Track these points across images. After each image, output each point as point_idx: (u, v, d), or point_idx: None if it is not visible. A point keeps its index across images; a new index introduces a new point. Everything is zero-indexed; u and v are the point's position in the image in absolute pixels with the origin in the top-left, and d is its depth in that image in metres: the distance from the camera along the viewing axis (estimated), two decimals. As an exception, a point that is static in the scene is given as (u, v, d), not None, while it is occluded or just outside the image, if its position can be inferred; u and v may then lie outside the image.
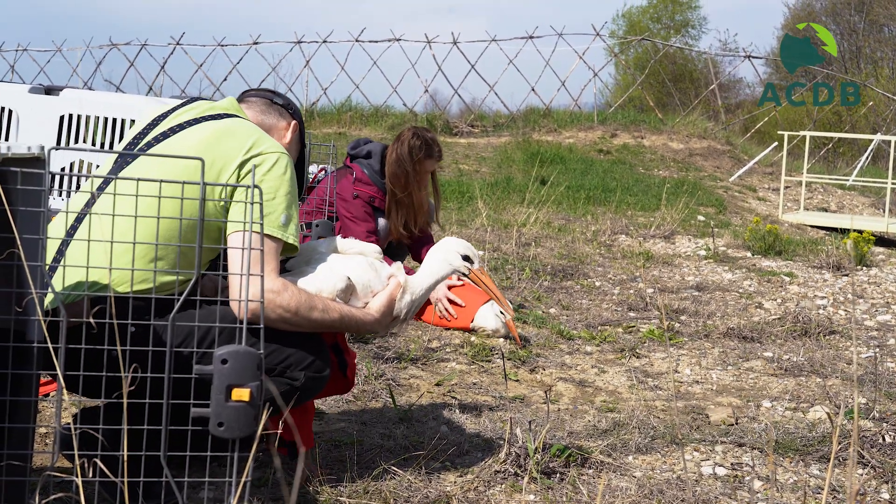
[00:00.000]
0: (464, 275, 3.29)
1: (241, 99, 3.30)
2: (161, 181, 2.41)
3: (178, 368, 2.38)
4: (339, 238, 3.26)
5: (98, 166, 4.63)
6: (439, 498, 3.17)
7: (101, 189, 2.82)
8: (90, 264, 2.48)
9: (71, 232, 2.76)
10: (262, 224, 2.45)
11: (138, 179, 2.33)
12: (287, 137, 3.28)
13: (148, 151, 2.86)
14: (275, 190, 2.80)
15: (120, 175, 2.81)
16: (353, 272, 3.07)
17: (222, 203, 2.76)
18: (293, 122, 3.32)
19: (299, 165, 3.32)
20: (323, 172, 5.98)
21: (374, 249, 3.23)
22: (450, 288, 5.77)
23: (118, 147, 3.16)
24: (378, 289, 3.12)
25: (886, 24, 34.54)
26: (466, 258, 3.27)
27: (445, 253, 3.27)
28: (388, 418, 4.10)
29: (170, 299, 2.57)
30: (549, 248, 9.16)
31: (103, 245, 2.55)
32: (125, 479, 2.17)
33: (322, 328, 2.91)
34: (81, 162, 4.91)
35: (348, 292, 3.03)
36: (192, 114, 3.00)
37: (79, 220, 2.79)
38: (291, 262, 3.12)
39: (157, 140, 2.93)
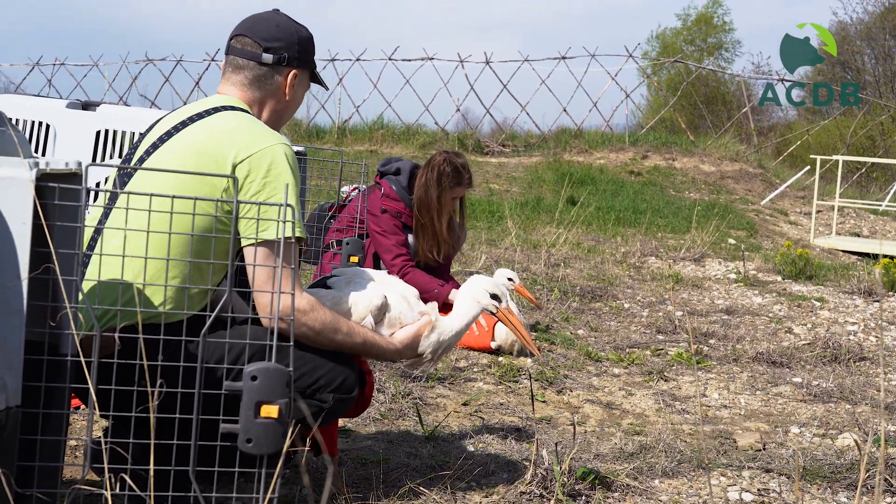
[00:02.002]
0: (492, 313, 3.32)
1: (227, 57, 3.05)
2: (173, 197, 2.37)
3: (207, 385, 2.40)
4: (385, 272, 3.30)
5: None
6: (464, 518, 3.18)
7: (110, 205, 2.80)
8: (102, 278, 2.51)
9: (91, 245, 2.76)
10: (282, 236, 2.45)
11: (151, 195, 2.36)
12: (288, 95, 3.04)
13: (150, 165, 2.79)
14: (280, 191, 2.70)
15: (124, 189, 2.77)
16: (390, 296, 3.10)
17: (228, 217, 2.69)
18: (291, 71, 3.02)
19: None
20: (355, 191, 6.01)
21: (413, 292, 3.23)
22: None
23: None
24: (408, 322, 3.14)
25: (922, 48, 34.29)
26: (495, 296, 3.30)
27: (475, 292, 3.30)
28: (415, 437, 4.11)
29: (200, 316, 2.59)
30: (578, 268, 9.15)
31: (118, 260, 2.57)
32: (152, 493, 2.19)
33: (344, 350, 2.89)
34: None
35: (382, 311, 3.04)
36: (182, 114, 2.90)
37: (97, 234, 2.79)
38: (334, 280, 3.14)
39: (148, 153, 2.85)
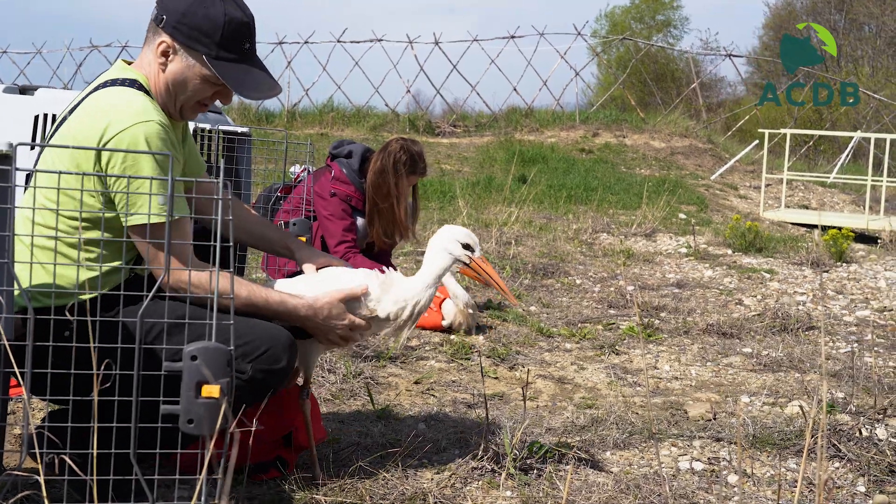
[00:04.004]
0: (465, 264, 3.17)
1: None
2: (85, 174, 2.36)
3: (146, 363, 2.36)
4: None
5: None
6: (416, 495, 3.16)
7: (26, 184, 2.75)
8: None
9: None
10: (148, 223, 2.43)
11: (56, 171, 2.31)
12: (153, 70, 2.79)
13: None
14: (139, 172, 2.56)
15: (35, 168, 2.70)
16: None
17: (101, 195, 2.62)
18: (162, 38, 2.75)
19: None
20: (305, 172, 5.95)
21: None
22: None
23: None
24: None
25: (866, 22, 34.71)
26: (467, 246, 3.16)
27: (445, 242, 3.16)
28: (366, 416, 4.09)
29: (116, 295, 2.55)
30: (530, 246, 9.16)
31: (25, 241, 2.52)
32: (94, 478, 2.15)
33: (252, 312, 2.79)
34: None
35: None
36: (85, 90, 2.80)
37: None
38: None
39: (57, 128, 2.77)
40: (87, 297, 2.60)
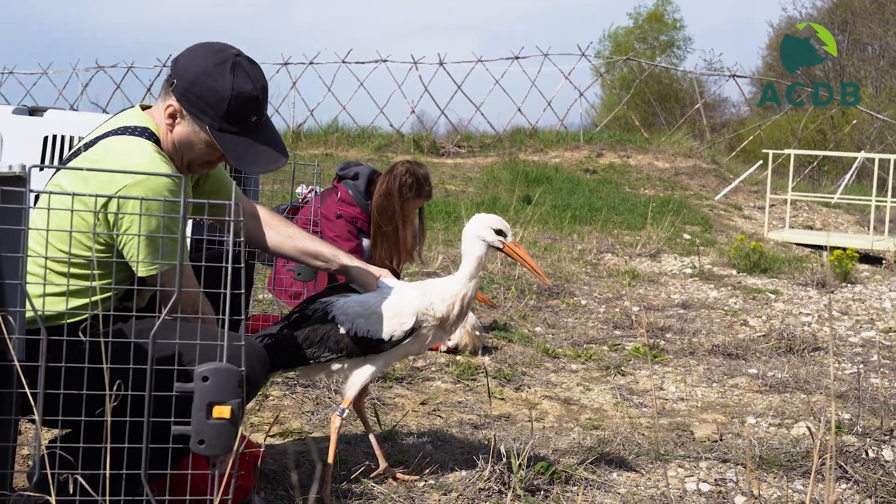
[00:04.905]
0: (498, 249, 3.31)
1: None
2: (99, 196, 2.38)
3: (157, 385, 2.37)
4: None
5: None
6: (423, 516, 3.17)
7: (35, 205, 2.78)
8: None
9: None
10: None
11: (63, 192, 2.33)
12: (162, 125, 2.83)
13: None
14: (134, 229, 2.58)
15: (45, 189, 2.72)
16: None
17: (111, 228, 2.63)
18: (171, 101, 2.80)
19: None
20: (312, 193, 5.98)
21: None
22: None
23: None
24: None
25: (869, 42, 34.77)
26: (499, 232, 3.29)
27: (478, 230, 3.28)
28: (373, 437, 4.09)
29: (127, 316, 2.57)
30: (535, 267, 9.16)
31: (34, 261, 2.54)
32: (106, 498, 2.16)
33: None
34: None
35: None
36: (102, 129, 2.84)
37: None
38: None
39: (71, 158, 2.81)
40: (82, 317, 2.61)
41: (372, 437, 3.52)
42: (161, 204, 2.54)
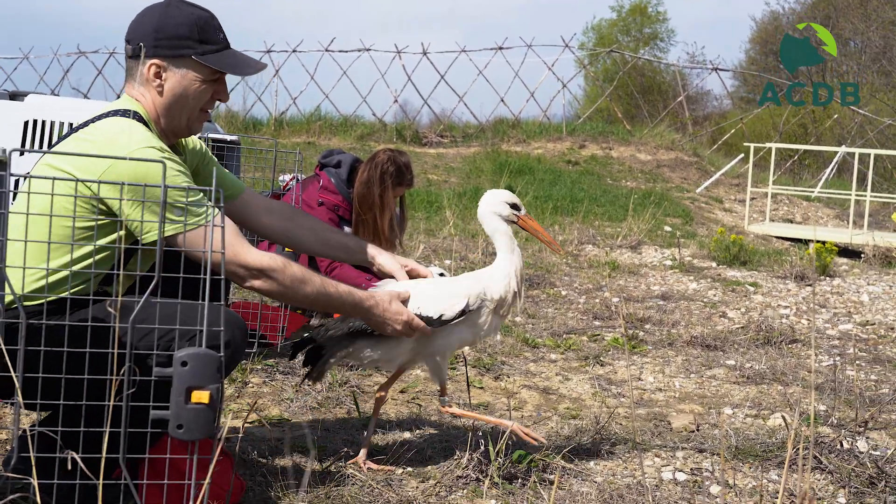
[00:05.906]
0: (514, 223, 3.42)
1: None
2: (79, 180, 2.38)
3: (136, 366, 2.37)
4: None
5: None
6: (400, 503, 3.19)
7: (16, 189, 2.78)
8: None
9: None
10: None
11: (47, 178, 2.33)
12: (157, 88, 2.85)
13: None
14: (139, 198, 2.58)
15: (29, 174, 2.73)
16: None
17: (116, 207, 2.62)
18: (150, 62, 2.83)
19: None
20: (294, 181, 5.98)
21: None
22: None
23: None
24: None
25: (852, 38, 34.92)
26: (514, 206, 3.40)
27: (493, 206, 3.40)
28: (352, 425, 4.11)
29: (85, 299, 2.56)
30: (516, 257, 9.17)
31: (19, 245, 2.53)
32: (82, 482, 2.16)
33: (319, 306, 3.06)
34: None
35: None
36: (90, 114, 2.85)
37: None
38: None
39: (59, 141, 2.82)
40: (50, 298, 2.59)
41: (372, 425, 3.54)
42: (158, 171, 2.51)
